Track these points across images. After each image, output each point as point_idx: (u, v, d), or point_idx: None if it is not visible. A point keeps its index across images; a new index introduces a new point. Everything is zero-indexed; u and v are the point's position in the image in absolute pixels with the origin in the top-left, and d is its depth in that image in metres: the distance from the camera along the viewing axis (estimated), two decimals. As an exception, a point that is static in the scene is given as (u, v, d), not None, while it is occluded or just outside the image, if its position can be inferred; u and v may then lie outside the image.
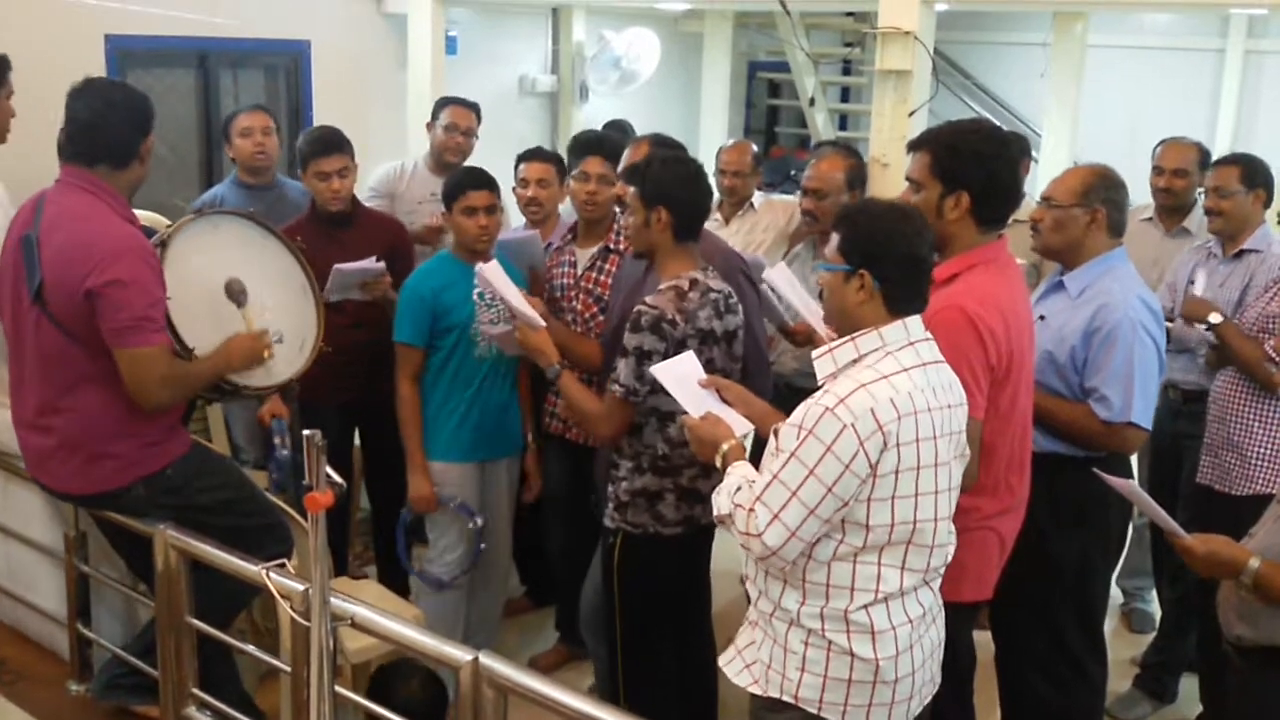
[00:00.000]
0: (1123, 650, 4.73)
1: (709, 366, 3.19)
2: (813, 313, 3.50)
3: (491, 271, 3.53)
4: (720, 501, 2.51)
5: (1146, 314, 3.23)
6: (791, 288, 3.63)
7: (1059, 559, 3.30)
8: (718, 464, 2.66)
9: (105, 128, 3.05)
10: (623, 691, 3.43)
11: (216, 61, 6.51)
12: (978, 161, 2.84)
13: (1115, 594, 5.02)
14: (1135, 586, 5.01)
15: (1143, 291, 3.31)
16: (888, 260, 2.44)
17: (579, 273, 4.05)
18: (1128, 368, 3.16)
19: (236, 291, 3.26)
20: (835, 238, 2.52)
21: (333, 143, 4.29)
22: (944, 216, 2.86)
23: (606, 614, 3.45)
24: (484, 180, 3.93)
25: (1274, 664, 2.64)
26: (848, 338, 2.46)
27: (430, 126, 5.14)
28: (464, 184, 3.90)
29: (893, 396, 2.33)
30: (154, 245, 3.15)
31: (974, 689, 3.30)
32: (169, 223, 3.57)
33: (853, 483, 2.32)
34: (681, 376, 2.89)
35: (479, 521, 3.95)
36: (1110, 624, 4.90)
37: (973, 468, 2.74)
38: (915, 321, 2.48)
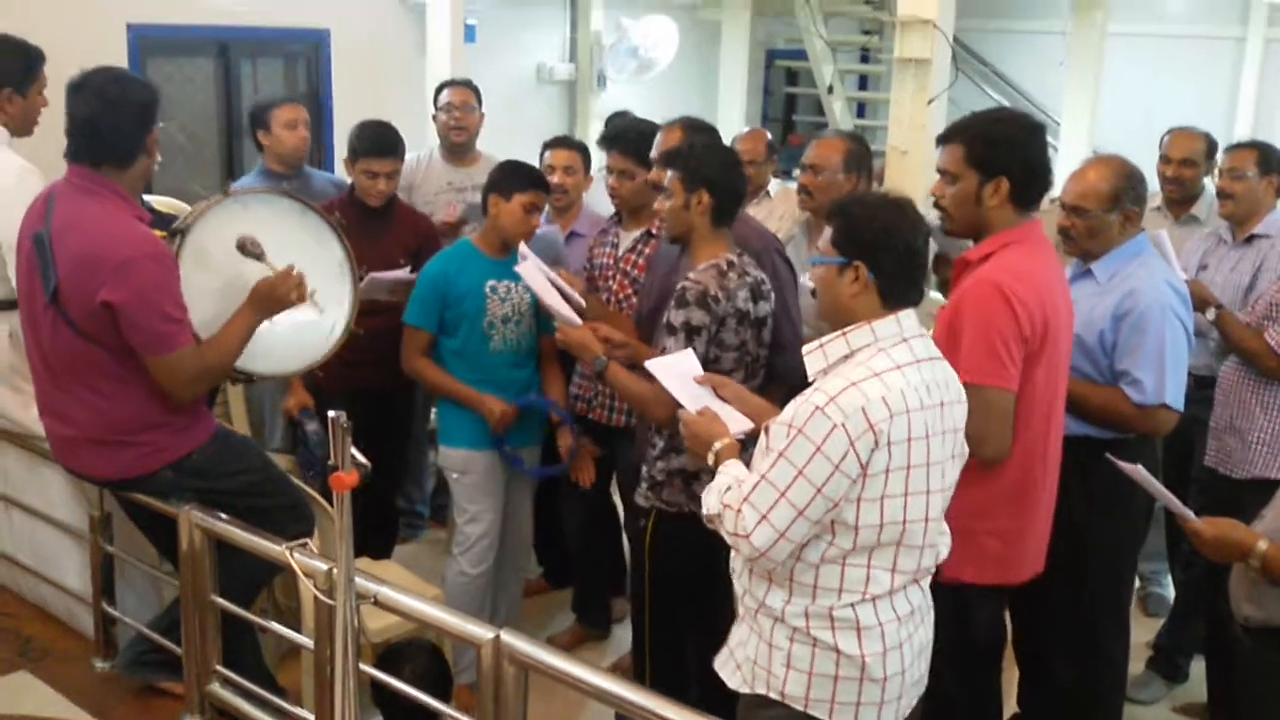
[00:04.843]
0: (1139, 633, 4.72)
1: (741, 349, 3.21)
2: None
3: (529, 271, 3.56)
4: (710, 501, 2.46)
5: (1175, 298, 3.24)
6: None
7: (1092, 541, 3.29)
8: (710, 462, 2.61)
9: (106, 128, 2.97)
10: (649, 672, 3.44)
11: (237, 50, 6.56)
12: (1013, 147, 2.88)
13: (1131, 578, 5.04)
14: (1151, 570, 5.02)
15: (1170, 276, 3.32)
16: (884, 251, 2.38)
17: (619, 254, 4.07)
18: (1159, 350, 3.17)
19: (250, 247, 3.12)
20: (829, 231, 2.47)
21: (387, 145, 4.32)
22: (984, 203, 2.89)
23: (636, 594, 3.44)
24: (544, 183, 3.99)
25: None
26: (839, 332, 2.40)
27: (435, 118, 5.15)
28: (537, 183, 3.92)
29: (884, 394, 2.27)
30: (174, 231, 3.12)
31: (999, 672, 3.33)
32: (190, 208, 3.48)
33: (843, 483, 2.26)
34: (680, 373, 2.87)
35: (520, 459, 3.97)
36: (1126, 608, 4.92)
37: (1005, 442, 2.74)
38: (909, 316, 2.41)
